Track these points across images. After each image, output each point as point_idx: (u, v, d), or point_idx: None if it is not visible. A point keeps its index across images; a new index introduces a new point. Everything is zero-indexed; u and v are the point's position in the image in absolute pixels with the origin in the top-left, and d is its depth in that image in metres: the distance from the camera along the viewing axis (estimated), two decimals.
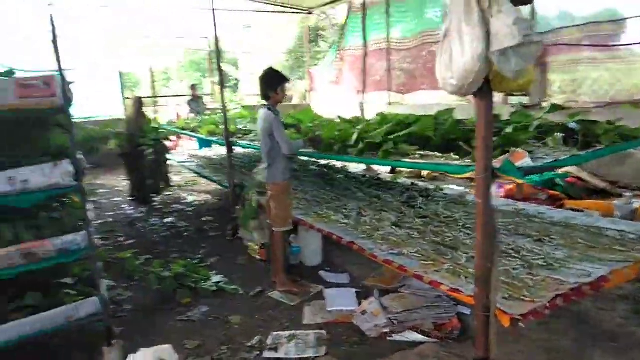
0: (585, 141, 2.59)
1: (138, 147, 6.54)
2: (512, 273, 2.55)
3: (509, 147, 2.35)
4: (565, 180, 5.54)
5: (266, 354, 2.88)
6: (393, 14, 9.84)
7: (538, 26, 7.36)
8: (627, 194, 4.91)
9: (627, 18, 6.46)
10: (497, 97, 7.96)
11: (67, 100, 2.49)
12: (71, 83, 3.10)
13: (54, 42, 2.54)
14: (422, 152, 2.89)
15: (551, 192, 5.38)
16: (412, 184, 4.91)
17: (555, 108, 3.17)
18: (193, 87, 10.41)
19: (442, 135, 2.87)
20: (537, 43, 1.84)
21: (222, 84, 4.95)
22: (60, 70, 2.49)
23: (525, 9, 7.90)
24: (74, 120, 2.70)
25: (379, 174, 5.87)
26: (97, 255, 3.01)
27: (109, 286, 3.95)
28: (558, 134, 2.70)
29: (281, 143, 3.54)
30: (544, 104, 7.50)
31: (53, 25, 2.48)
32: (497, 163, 2.17)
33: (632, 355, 2.66)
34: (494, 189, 5.97)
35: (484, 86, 1.97)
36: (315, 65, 14.07)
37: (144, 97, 7.74)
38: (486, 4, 1.79)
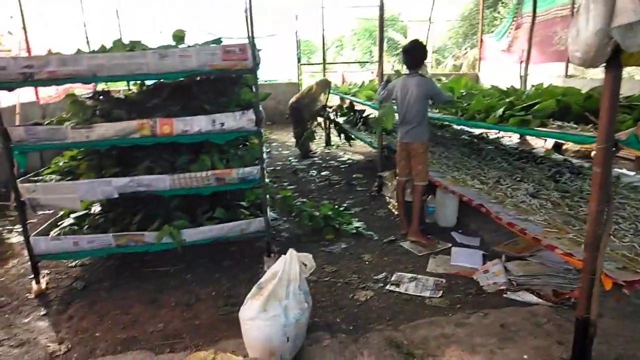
0: None
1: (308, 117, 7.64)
2: (638, 249, 2.54)
3: None
4: None
5: (388, 287, 3.37)
6: None
7: None
8: None
9: None
10: None
11: (256, 63, 3.23)
12: (259, 50, 3.89)
13: (250, 14, 3.28)
14: (559, 123, 2.95)
15: None
16: (565, 160, 4.75)
17: None
18: None
19: (582, 108, 2.88)
20: None
21: (382, 49, 5.36)
22: (252, 39, 3.22)
23: None
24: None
25: (533, 148, 5.71)
26: (266, 186, 3.82)
27: (272, 217, 4.88)
28: None
29: (445, 97, 4.21)
30: None
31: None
32: (623, 135, 2.21)
33: None
34: None
35: (612, 60, 2.05)
36: (491, 32, 13.41)
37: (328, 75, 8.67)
38: None
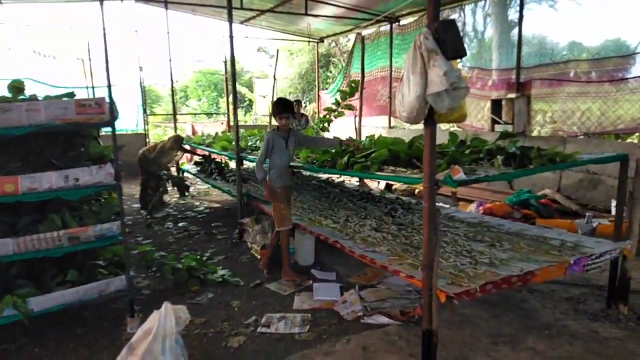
0: (522, 163, 3.22)
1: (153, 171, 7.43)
2: (460, 267, 3.15)
3: (452, 164, 2.98)
4: (539, 202, 6.11)
5: (260, 329, 3.49)
6: (396, 44, 10.76)
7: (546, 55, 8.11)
8: (588, 214, 5.47)
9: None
10: (485, 125, 8.64)
11: (113, 117, 3.20)
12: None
13: (107, 65, 3.26)
14: (393, 168, 3.54)
15: (525, 211, 5.95)
16: (397, 198, 5.54)
17: (503, 135, 3.80)
18: (298, 102, 8.67)
19: (408, 155, 3.53)
20: (465, 89, 2.51)
21: (235, 104, 5.65)
22: (110, 93, 3.19)
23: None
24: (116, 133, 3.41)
25: (371, 189, 6.50)
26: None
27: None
28: (499, 156, 3.33)
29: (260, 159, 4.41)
30: (531, 132, 8.16)
31: (107, 55, 3.19)
32: (441, 176, 2.81)
33: (558, 340, 3.22)
34: (473, 207, 6.57)
35: (428, 118, 2.63)
36: (325, 89, 14.91)
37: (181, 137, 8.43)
38: (426, 59, 2.46)
